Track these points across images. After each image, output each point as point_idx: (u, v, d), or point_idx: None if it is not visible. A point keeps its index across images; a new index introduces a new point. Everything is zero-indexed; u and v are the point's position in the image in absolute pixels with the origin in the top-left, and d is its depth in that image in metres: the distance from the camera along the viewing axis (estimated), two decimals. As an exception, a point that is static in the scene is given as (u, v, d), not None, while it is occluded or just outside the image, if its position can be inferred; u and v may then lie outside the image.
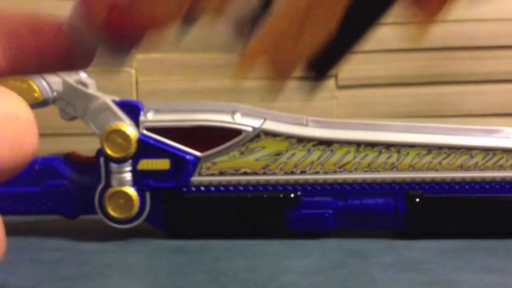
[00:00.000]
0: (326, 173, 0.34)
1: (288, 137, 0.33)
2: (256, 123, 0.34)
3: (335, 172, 0.34)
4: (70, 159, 0.35)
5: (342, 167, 0.33)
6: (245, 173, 0.34)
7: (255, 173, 0.34)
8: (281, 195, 0.34)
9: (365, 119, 0.48)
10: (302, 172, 0.34)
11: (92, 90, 0.34)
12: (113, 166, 0.33)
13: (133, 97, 0.49)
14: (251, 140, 0.33)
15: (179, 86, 0.50)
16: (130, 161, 0.33)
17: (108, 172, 0.33)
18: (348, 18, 0.16)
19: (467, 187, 0.33)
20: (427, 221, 0.34)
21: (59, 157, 0.35)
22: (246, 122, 0.34)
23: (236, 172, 0.34)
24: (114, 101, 0.34)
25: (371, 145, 0.33)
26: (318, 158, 0.33)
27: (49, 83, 0.33)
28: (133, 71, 0.50)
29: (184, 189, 0.34)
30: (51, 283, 0.28)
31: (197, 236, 0.34)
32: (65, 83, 0.33)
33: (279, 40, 0.16)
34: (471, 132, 0.34)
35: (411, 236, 0.34)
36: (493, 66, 0.49)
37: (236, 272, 0.29)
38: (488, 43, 0.49)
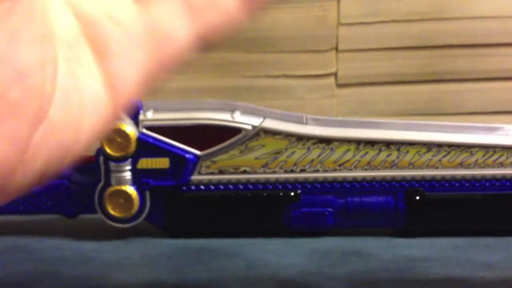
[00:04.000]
0: (326, 171, 0.33)
1: (287, 135, 0.33)
2: (256, 121, 0.33)
3: (335, 170, 0.33)
4: (69, 158, 0.35)
5: (342, 165, 0.33)
6: (244, 172, 0.34)
7: (254, 172, 0.34)
8: (281, 194, 0.34)
9: (365, 117, 0.48)
10: (302, 171, 0.34)
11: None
12: (113, 165, 0.33)
13: (133, 96, 0.49)
14: (251, 138, 0.33)
15: (179, 85, 0.50)
16: (130, 160, 0.33)
17: (108, 171, 0.33)
18: None
19: (467, 184, 0.33)
20: (427, 219, 0.34)
21: (58, 156, 0.35)
22: (245, 121, 0.33)
23: (235, 171, 0.34)
24: (113, 100, 0.34)
25: (371, 143, 0.33)
26: (318, 156, 0.33)
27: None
28: (132, 70, 0.49)
29: (184, 187, 0.34)
30: (51, 282, 0.28)
31: (196, 234, 0.34)
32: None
33: None
34: (471, 129, 0.34)
35: (411, 234, 0.34)
36: (493, 64, 0.49)
37: (236, 270, 0.29)
38: (488, 41, 0.49)
